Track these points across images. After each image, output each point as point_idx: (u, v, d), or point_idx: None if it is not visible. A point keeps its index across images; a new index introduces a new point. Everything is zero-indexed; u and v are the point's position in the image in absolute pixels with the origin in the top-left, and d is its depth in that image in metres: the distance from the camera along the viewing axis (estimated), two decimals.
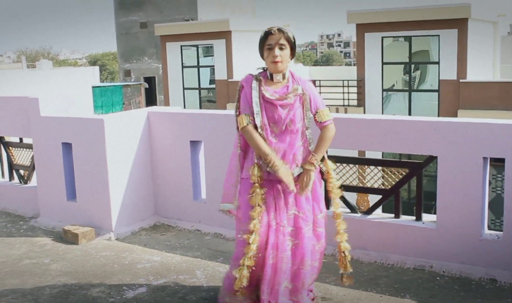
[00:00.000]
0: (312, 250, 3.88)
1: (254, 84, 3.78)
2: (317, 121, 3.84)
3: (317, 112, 3.83)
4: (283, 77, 3.81)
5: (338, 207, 3.96)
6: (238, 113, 3.84)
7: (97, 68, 34.79)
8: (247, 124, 3.74)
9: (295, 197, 3.80)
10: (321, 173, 3.98)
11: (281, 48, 3.73)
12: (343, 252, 3.95)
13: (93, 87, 28.22)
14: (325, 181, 3.95)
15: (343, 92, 21.93)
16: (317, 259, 3.95)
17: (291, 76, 3.85)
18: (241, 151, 3.91)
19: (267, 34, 3.75)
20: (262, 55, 3.83)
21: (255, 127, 3.73)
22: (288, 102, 3.75)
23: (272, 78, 3.81)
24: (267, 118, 3.74)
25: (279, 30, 3.75)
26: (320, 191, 3.96)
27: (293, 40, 3.80)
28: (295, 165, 3.78)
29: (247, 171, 3.81)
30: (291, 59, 3.85)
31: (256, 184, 3.73)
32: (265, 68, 3.86)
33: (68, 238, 5.75)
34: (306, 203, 3.83)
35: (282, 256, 3.74)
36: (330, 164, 3.91)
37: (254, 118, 3.74)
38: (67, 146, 6.10)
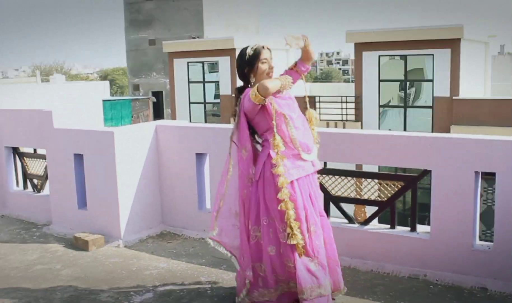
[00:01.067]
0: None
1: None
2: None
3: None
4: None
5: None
6: (238, 112, 3.98)
7: (107, 82, 34.89)
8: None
9: (317, 198, 3.97)
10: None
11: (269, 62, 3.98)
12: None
13: (103, 100, 28.29)
14: None
15: (342, 108, 21.95)
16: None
17: None
18: (245, 176, 3.92)
19: (262, 49, 3.92)
20: (250, 71, 3.92)
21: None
22: (288, 96, 3.97)
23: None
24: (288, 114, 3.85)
25: (268, 48, 3.99)
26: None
27: None
28: (314, 146, 3.98)
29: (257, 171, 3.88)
30: None
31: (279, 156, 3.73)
32: (250, 86, 3.95)
33: (78, 244, 5.75)
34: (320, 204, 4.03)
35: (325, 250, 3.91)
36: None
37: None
38: (78, 157, 6.11)
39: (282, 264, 3.82)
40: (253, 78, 3.92)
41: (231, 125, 5.83)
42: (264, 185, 3.81)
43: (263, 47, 3.95)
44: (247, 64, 3.92)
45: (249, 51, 3.93)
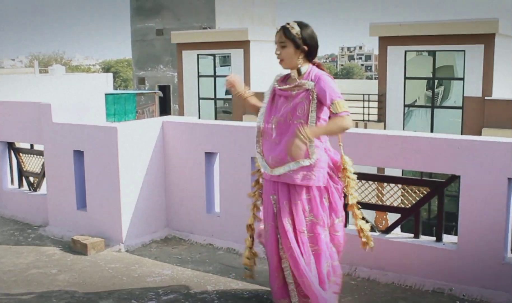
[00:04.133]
0: (330, 253, 4.00)
1: (274, 80, 4.08)
2: (332, 113, 3.82)
3: (332, 103, 3.80)
4: (299, 73, 3.91)
5: (353, 201, 4.14)
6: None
7: (110, 75, 35.04)
8: None
9: (311, 204, 3.87)
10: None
11: (282, 46, 3.88)
12: (361, 227, 4.13)
13: (106, 94, 28.39)
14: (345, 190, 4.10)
15: (363, 107, 21.91)
16: (336, 259, 4.10)
17: (310, 73, 3.91)
18: None
19: (276, 33, 3.94)
20: None
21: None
22: (290, 93, 3.88)
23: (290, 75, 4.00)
24: (274, 109, 3.93)
25: (282, 28, 3.89)
26: (339, 201, 4.04)
27: (297, 37, 3.85)
28: (288, 161, 3.84)
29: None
30: (304, 55, 3.91)
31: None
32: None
33: (76, 248, 5.79)
34: (322, 210, 3.92)
35: (310, 262, 3.88)
36: (347, 159, 4.04)
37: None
38: (78, 154, 6.15)
39: None
40: None
41: (243, 123, 5.87)
42: None
43: (277, 28, 3.96)
44: None
45: None
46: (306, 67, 3.92)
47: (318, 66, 3.98)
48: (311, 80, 3.86)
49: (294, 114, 3.83)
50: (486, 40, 19.39)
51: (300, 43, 3.86)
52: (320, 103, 3.83)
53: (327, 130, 3.83)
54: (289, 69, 3.96)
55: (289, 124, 3.84)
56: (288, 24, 3.89)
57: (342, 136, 4.20)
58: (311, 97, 3.82)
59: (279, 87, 3.97)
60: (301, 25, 3.88)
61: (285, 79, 4.03)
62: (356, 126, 21.09)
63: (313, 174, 3.85)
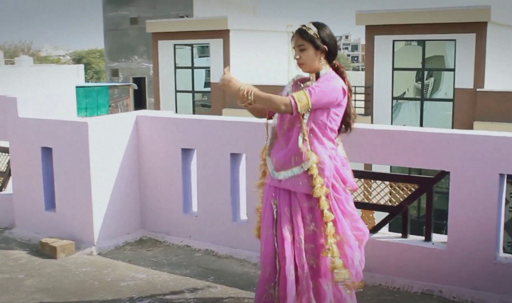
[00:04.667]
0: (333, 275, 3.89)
1: (289, 83, 4.08)
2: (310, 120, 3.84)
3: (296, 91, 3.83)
4: (317, 77, 3.90)
5: (328, 220, 3.81)
6: None
7: (82, 66, 34.77)
8: None
9: (313, 213, 3.83)
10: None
11: (301, 50, 3.86)
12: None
13: (77, 87, 28.16)
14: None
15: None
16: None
17: (330, 73, 3.90)
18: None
19: (292, 37, 3.92)
20: None
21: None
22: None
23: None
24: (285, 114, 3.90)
25: (298, 31, 3.87)
26: (340, 214, 3.90)
27: (316, 37, 3.83)
28: (290, 166, 3.84)
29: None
30: (328, 56, 3.90)
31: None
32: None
33: (45, 251, 5.75)
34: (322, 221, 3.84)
35: (304, 274, 3.82)
36: (313, 157, 3.81)
37: None
38: (46, 151, 6.11)
39: None
40: None
41: (222, 118, 5.87)
42: None
43: (293, 32, 3.92)
44: None
45: None
46: (325, 70, 3.90)
47: (338, 68, 3.98)
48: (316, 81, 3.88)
49: (298, 118, 3.83)
50: (478, 29, 19.53)
51: (319, 43, 3.84)
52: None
53: (260, 96, 3.78)
54: (306, 73, 3.95)
55: (297, 128, 3.85)
56: (304, 25, 3.88)
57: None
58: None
59: (289, 91, 3.96)
60: (318, 25, 3.88)
61: (301, 82, 4.01)
62: None
63: (311, 182, 3.84)
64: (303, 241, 3.83)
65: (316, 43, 3.84)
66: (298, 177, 3.82)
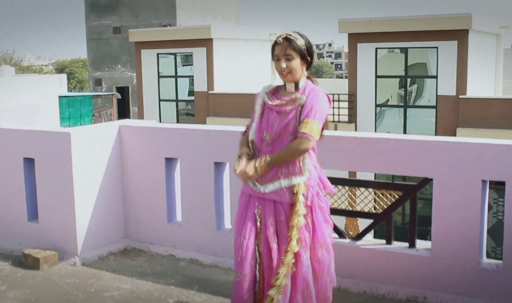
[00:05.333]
0: (308, 284, 3.88)
1: (263, 92, 4.01)
2: (296, 130, 3.80)
3: (304, 120, 3.78)
4: (296, 87, 3.90)
5: (291, 252, 3.80)
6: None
7: (64, 76, 34.49)
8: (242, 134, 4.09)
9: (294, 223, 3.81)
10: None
11: (287, 59, 3.83)
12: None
13: (59, 97, 28.03)
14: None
15: (333, 107, 22.02)
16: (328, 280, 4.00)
17: (306, 87, 3.90)
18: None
19: (274, 44, 3.88)
20: None
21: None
22: (284, 109, 3.84)
23: (285, 88, 3.96)
24: (265, 124, 3.89)
25: (286, 39, 3.84)
26: (322, 223, 3.92)
27: (303, 48, 3.86)
28: (278, 178, 3.82)
29: (244, 183, 3.99)
30: (308, 67, 3.94)
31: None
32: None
33: (28, 262, 5.71)
34: (306, 230, 3.84)
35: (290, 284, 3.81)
36: (306, 174, 3.84)
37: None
38: (29, 162, 6.07)
39: None
40: None
41: (205, 127, 5.86)
42: None
43: (279, 40, 3.88)
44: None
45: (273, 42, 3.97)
46: (303, 80, 3.92)
47: (309, 78, 3.99)
48: (306, 95, 3.85)
49: (287, 130, 3.82)
50: (460, 36, 19.70)
51: (306, 54, 3.88)
52: None
53: (280, 158, 3.80)
54: (287, 83, 3.92)
55: (282, 141, 3.83)
56: (290, 35, 3.87)
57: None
58: (298, 113, 3.83)
59: (271, 103, 3.91)
60: (302, 35, 3.91)
61: (275, 92, 3.99)
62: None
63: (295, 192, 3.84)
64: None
65: (303, 54, 3.86)
66: (286, 189, 3.82)
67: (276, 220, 3.85)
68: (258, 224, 3.88)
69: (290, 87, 3.91)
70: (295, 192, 3.80)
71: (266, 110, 3.95)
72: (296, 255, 3.81)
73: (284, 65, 3.84)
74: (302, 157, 3.81)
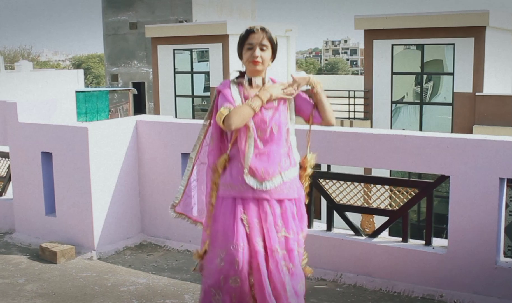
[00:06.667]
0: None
1: (233, 87, 3.79)
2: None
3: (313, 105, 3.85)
4: (263, 82, 3.80)
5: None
6: (209, 122, 3.94)
7: (81, 71, 34.84)
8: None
9: (283, 218, 3.73)
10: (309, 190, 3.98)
11: (262, 49, 3.73)
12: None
13: (76, 92, 28.26)
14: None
15: (349, 104, 21.98)
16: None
17: (271, 82, 3.84)
18: (210, 169, 3.90)
19: (249, 32, 3.75)
20: (240, 55, 3.81)
21: None
22: (272, 104, 3.74)
23: (251, 83, 3.78)
24: (258, 121, 3.71)
25: (262, 29, 3.76)
26: (305, 211, 3.89)
27: (275, 42, 3.81)
28: (278, 173, 3.71)
29: (223, 187, 3.78)
30: (271, 62, 3.84)
31: (219, 170, 3.80)
32: (243, 72, 3.85)
33: (45, 256, 5.74)
34: (294, 223, 3.77)
35: (282, 284, 3.66)
36: (309, 158, 3.88)
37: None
38: (47, 156, 6.10)
39: None
40: (244, 65, 3.84)
41: None
42: None
43: (256, 29, 3.75)
44: (238, 48, 3.83)
45: (243, 32, 3.80)
46: (267, 74, 3.86)
47: None
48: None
49: (279, 125, 3.73)
50: (477, 33, 19.54)
51: (276, 48, 3.83)
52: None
53: (324, 99, 3.86)
54: (253, 76, 3.79)
55: (273, 134, 3.72)
56: (264, 27, 3.80)
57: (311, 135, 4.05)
58: (288, 104, 3.80)
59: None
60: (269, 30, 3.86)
61: (241, 83, 3.83)
62: (341, 124, 21.18)
63: (295, 184, 3.80)
64: (279, 250, 3.69)
65: (275, 47, 3.81)
66: (295, 180, 3.78)
67: (261, 220, 3.70)
68: (247, 229, 3.69)
69: (258, 81, 3.79)
70: (304, 167, 3.83)
71: None
72: (289, 251, 3.71)
73: (257, 54, 3.72)
74: (295, 149, 3.80)
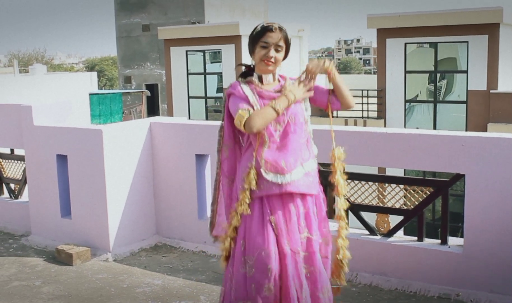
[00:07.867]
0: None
1: (244, 85, 3.70)
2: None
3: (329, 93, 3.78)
4: (273, 79, 3.74)
5: (342, 209, 3.73)
6: (223, 125, 3.78)
7: (95, 74, 34.93)
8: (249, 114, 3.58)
9: (306, 218, 3.67)
10: (324, 190, 3.92)
11: (277, 50, 3.64)
12: (341, 260, 3.74)
13: (90, 94, 28.34)
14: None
15: (362, 103, 21.91)
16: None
17: (281, 77, 3.78)
18: (226, 178, 3.82)
19: (265, 30, 3.63)
20: (251, 50, 3.71)
21: None
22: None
23: (261, 81, 3.71)
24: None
25: (280, 29, 3.66)
26: (325, 210, 3.83)
27: (290, 42, 3.73)
28: (300, 164, 3.63)
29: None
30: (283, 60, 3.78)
31: (247, 192, 3.59)
32: (251, 67, 3.78)
33: (61, 258, 5.77)
34: (315, 224, 3.71)
35: (300, 287, 3.60)
36: (338, 152, 3.76)
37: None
38: (62, 159, 6.13)
39: None
40: (253, 62, 3.74)
41: None
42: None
43: (274, 28, 3.62)
44: (250, 42, 3.71)
45: (257, 28, 3.68)
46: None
47: None
48: (288, 79, 3.76)
49: (296, 115, 3.66)
50: (490, 30, 19.42)
51: (289, 48, 3.75)
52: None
53: (341, 82, 3.76)
54: (264, 73, 3.70)
55: (289, 125, 3.64)
56: (282, 26, 3.70)
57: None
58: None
59: (274, 92, 3.68)
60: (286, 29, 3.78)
61: (250, 82, 3.73)
62: (355, 124, 21.12)
63: (315, 180, 3.72)
64: (301, 252, 3.62)
65: (289, 48, 3.73)
66: (315, 173, 3.71)
67: (286, 219, 3.63)
68: (275, 232, 3.61)
69: (269, 78, 3.71)
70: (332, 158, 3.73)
71: (263, 102, 3.64)
72: (311, 254, 3.65)
73: (272, 54, 3.63)
74: (311, 142, 3.74)
